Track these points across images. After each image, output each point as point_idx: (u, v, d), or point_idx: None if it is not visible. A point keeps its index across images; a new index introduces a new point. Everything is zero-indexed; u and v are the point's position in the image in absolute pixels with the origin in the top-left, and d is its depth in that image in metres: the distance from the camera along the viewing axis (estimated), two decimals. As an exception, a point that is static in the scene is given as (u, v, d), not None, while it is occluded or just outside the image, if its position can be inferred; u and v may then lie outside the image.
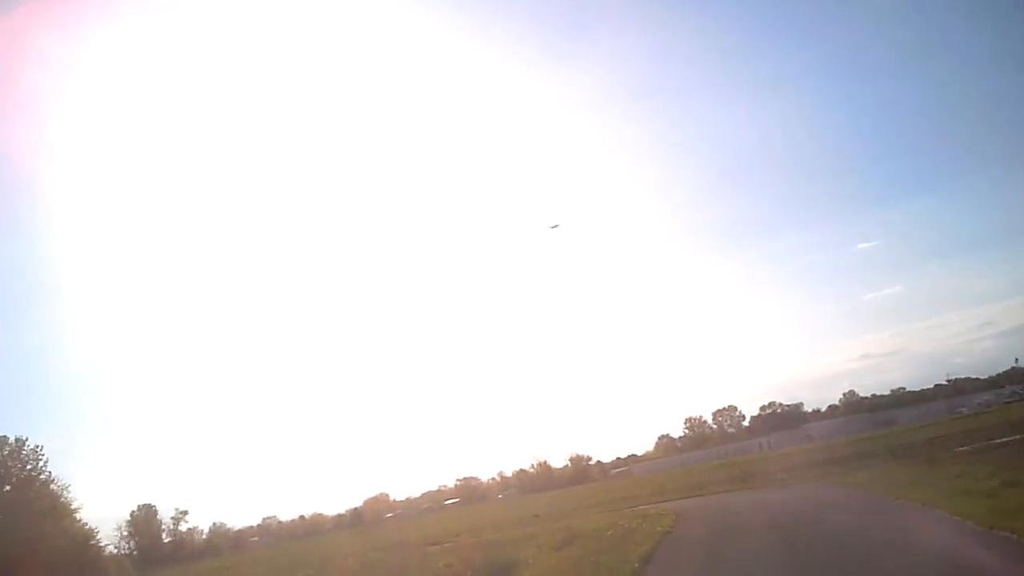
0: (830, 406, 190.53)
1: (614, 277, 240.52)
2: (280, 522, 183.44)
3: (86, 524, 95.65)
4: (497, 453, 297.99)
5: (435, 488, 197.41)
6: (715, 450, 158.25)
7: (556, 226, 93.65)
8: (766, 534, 21.75)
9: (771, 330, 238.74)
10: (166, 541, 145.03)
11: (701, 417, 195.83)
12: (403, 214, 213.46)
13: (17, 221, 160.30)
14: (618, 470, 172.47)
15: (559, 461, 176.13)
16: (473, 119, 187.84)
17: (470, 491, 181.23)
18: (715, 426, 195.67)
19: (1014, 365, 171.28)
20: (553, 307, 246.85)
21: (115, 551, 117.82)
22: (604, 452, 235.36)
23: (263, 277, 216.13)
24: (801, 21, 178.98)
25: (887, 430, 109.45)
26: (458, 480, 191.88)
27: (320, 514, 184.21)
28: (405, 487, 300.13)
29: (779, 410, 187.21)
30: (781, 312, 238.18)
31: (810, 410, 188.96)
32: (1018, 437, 41.10)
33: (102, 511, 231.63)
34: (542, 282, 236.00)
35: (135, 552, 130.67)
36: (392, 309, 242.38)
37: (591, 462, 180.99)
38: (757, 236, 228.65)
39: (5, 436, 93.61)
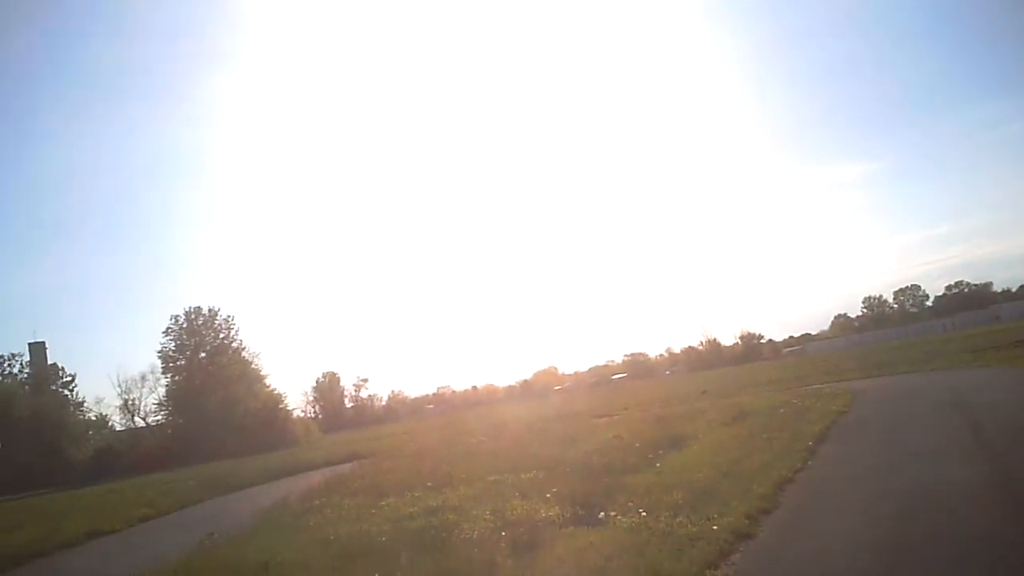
0: (1021, 286, 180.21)
1: (796, 150, 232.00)
2: (454, 391, 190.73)
3: (275, 390, 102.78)
4: (665, 329, 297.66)
5: (603, 363, 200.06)
6: (895, 331, 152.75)
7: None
8: (945, 417, 20.85)
9: (959, 205, 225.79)
10: (348, 406, 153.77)
11: (881, 296, 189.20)
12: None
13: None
14: (791, 349, 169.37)
15: (729, 338, 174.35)
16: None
17: (637, 366, 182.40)
18: (896, 306, 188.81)
19: None
20: (725, 179, 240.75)
21: (302, 415, 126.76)
22: (776, 330, 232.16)
23: (437, 157, 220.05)
24: None
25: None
26: (626, 355, 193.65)
27: (492, 385, 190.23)
28: (573, 361, 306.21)
29: (966, 289, 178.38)
30: (972, 187, 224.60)
31: (1000, 290, 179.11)
32: None
33: (291, 379, 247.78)
34: (711, 157, 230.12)
35: (320, 416, 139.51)
36: (562, 184, 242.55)
37: (762, 340, 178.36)
38: (935, 109, 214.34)
39: (199, 307, 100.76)
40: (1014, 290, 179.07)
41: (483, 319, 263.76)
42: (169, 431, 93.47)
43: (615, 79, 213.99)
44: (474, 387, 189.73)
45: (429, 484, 19.73)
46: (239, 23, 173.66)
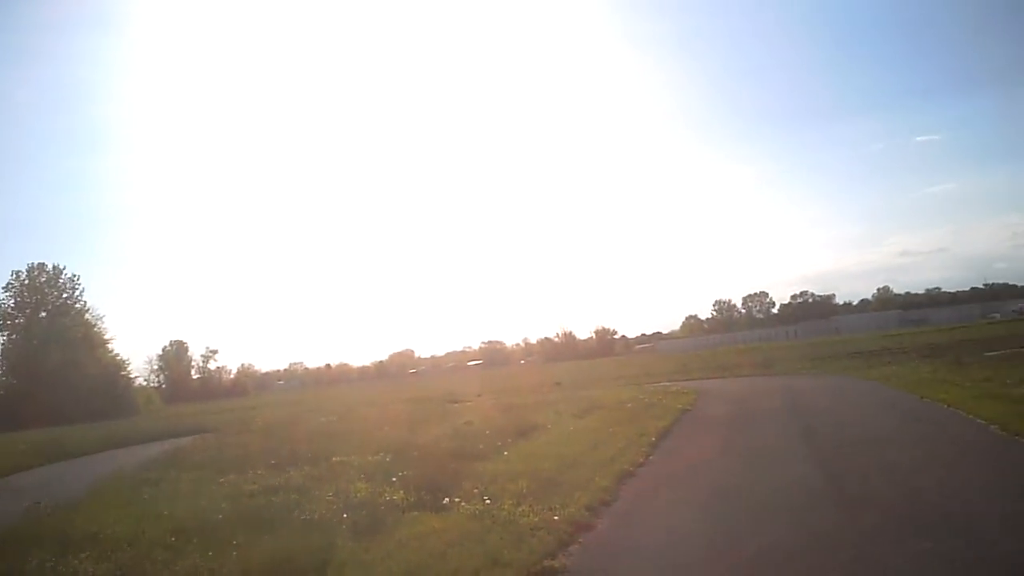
0: (862, 300, 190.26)
1: (654, 155, 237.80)
2: (306, 368, 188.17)
3: (118, 355, 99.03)
4: (523, 319, 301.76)
5: (459, 349, 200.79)
6: (742, 334, 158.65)
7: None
8: (783, 418, 21.85)
9: (810, 219, 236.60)
10: (195, 378, 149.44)
11: (730, 301, 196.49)
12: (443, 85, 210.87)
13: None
14: (642, 346, 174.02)
15: (584, 332, 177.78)
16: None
17: (494, 354, 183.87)
18: (744, 311, 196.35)
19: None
20: (592, 180, 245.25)
21: (145, 383, 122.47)
22: (630, 327, 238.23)
23: (310, 129, 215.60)
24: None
25: (917, 329, 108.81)
26: (483, 343, 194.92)
27: (346, 364, 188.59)
28: (430, 345, 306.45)
29: (810, 300, 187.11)
30: (823, 201, 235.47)
31: (841, 302, 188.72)
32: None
33: (135, 345, 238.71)
34: (584, 154, 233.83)
35: (164, 386, 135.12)
36: (434, 167, 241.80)
37: (616, 336, 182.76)
38: (809, 123, 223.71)
39: (43, 263, 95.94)
40: (855, 303, 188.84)
41: (340, 296, 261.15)
42: (1, 392, 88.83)
43: (508, 75, 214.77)
44: (327, 365, 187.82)
45: (273, 462, 19.31)
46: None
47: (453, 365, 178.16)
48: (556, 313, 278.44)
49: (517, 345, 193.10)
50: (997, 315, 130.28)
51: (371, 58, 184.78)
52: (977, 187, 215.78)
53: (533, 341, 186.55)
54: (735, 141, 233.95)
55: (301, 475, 17.04)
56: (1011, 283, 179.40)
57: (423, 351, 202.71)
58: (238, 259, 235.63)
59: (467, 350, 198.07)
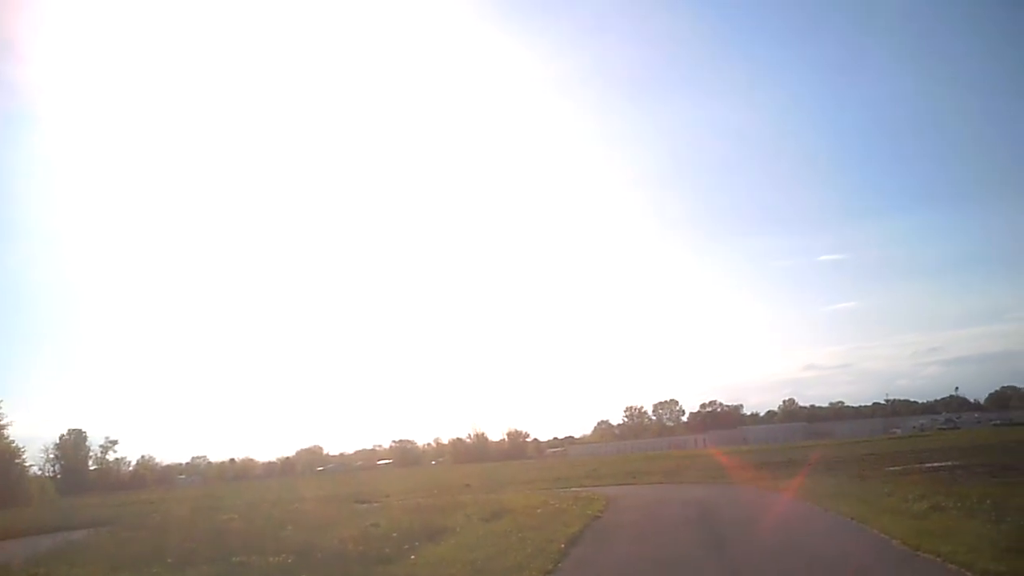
0: (769, 411, 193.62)
1: (569, 261, 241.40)
2: (209, 463, 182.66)
3: (13, 442, 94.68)
4: (435, 419, 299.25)
5: (370, 447, 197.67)
6: (652, 441, 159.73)
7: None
8: (692, 528, 21.90)
9: (721, 330, 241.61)
10: (92, 468, 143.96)
11: (642, 407, 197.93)
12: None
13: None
14: (554, 450, 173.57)
15: (496, 434, 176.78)
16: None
17: (404, 454, 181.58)
18: (655, 417, 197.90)
19: (953, 393, 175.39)
20: (507, 282, 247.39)
21: (40, 472, 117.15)
22: (542, 431, 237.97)
23: (218, 214, 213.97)
24: (791, 22, 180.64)
25: (821, 441, 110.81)
26: (394, 442, 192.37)
27: (251, 459, 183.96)
28: (339, 442, 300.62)
29: (719, 409, 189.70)
30: (733, 313, 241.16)
31: (749, 413, 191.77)
32: (948, 463, 41.76)
33: (31, 431, 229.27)
34: (498, 255, 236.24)
35: (60, 476, 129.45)
36: (346, 264, 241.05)
37: (528, 439, 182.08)
38: (717, 236, 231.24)
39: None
40: (762, 414, 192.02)
41: (247, 388, 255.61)
42: None
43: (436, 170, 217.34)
44: (232, 459, 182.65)
45: (169, 560, 18.61)
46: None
47: (362, 463, 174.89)
48: (468, 414, 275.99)
49: (428, 445, 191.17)
50: (898, 430, 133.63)
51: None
52: (879, 306, 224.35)
53: (445, 441, 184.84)
54: (648, 251, 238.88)
55: (199, 575, 16.46)
56: (911, 399, 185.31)
57: (332, 448, 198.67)
58: (142, 345, 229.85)
59: (377, 448, 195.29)
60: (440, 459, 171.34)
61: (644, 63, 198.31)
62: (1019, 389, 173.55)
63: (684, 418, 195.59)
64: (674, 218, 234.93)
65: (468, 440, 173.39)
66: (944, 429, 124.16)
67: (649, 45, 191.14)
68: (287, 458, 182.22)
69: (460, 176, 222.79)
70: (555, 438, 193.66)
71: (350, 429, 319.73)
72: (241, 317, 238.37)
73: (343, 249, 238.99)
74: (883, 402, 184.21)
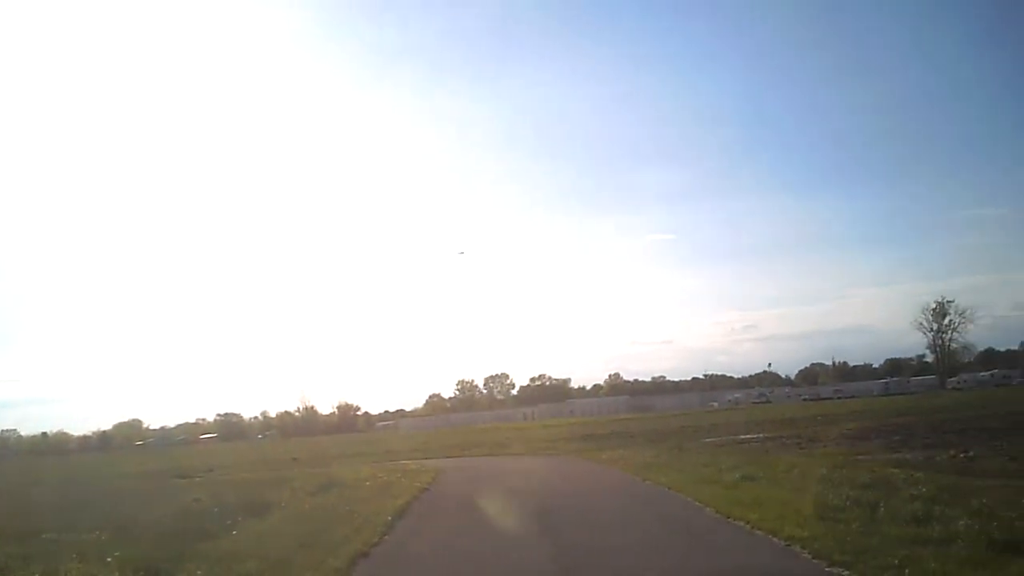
0: (595, 385, 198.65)
1: (403, 234, 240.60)
2: (20, 436, 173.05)
3: None
4: (262, 392, 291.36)
5: (193, 421, 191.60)
6: (483, 414, 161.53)
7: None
8: (517, 498, 22.28)
9: (551, 306, 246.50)
10: None
11: (473, 381, 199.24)
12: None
13: None
14: (385, 423, 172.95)
15: (326, 407, 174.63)
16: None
17: (230, 427, 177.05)
18: (486, 391, 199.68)
19: (767, 369, 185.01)
20: (335, 255, 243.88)
21: None
22: (373, 404, 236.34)
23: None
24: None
25: (644, 414, 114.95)
26: (218, 415, 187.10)
27: (65, 433, 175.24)
28: (160, 416, 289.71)
29: (548, 383, 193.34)
30: (562, 290, 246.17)
31: (576, 387, 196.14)
32: (760, 436, 44.07)
33: None
34: (330, 226, 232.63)
35: None
36: (171, 230, 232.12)
37: (359, 412, 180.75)
38: (549, 215, 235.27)
39: None
40: (588, 388, 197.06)
41: (61, 357, 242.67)
42: None
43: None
44: (44, 434, 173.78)
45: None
46: None
47: (185, 437, 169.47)
48: (297, 386, 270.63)
49: (255, 418, 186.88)
50: (715, 404, 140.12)
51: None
52: (701, 285, 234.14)
53: (272, 415, 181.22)
54: (480, 229, 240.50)
55: (3, 554, 15.59)
56: (728, 375, 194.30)
57: (152, 421, 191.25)
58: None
59: (201, 422, 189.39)
60: (267, 433, 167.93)
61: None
62: (826, 366, 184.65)
63: (514, 392, 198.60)
64: (506, 197, 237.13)
65: (297, 413, 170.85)
66: (758, 403, 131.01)
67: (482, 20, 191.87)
68: (103, 432, 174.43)
69: (288, 152, 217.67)
70: (386, 411, 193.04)
71: (171, 401, 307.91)
72: (52, 282, 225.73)
73: (166, 215, 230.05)
74: (702, 377, 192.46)
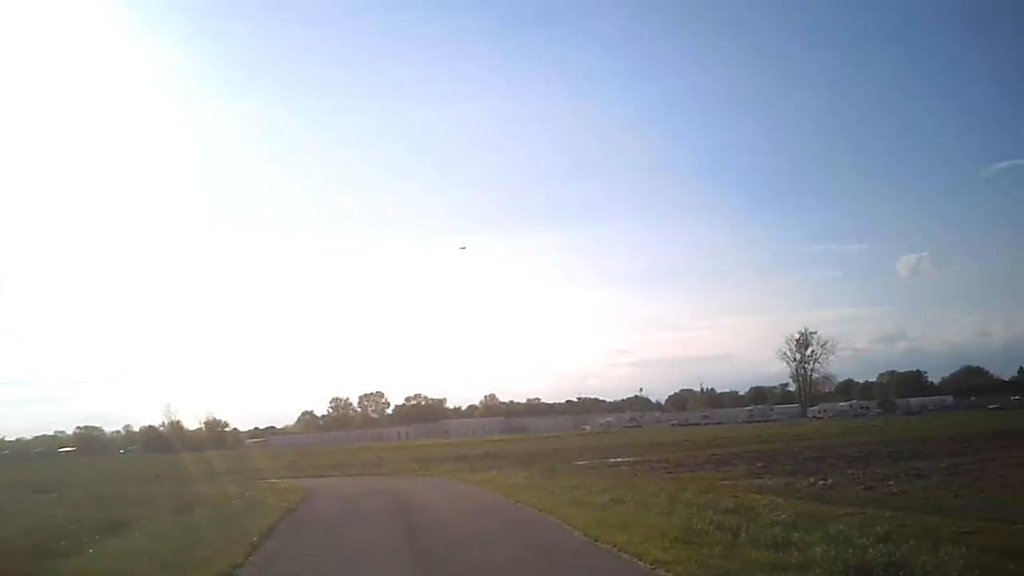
0: (471, 405, 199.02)
1: (273, 249, 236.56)
2: None
3: None
4: (126, 404, 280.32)
5: (51, 433, 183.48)
6: (357, 432, 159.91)
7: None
8: (387, 518, 22.14)
9: (428, 325, 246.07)
10: None
11: (347, 399, 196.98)
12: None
13: None
14: (255, 440, 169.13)
15: (193, 423, 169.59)
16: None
17: (90, 441, 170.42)
18: (360, 409, 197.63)
19: (638, 394, 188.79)
20: (206, 267, 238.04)
21: None
22: (242, 420, 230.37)
23: None
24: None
25: (518, 435, 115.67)
26: (78, 427, 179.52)
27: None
28: (16, 427, 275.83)
29: (423, 402, 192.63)
30: (440, 309, 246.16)
31: (452, 407, 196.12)
32: (630, 459, 44.86)
33: None
34: (201, 236, 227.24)
35: None
36: (36, 237, 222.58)
37: (227, 428, 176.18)
38: (427, 232, 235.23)
39: None
40: (464, 408, 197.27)
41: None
42: None
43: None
44: None
45: None
46: None
47: (42, 450, 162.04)
48: (163, 400, 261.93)
49: (118, 432, 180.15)
50: (588, 427, 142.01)
51: None
52: (577, 308, 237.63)
53: (136, 428, 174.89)
54: (354, 246, 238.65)
55: None
56: (601, 398, 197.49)
57: (7, 433, 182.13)
58: None
59: (59, 435, 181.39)
60: (130, 448, 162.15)
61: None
62: (695, 392, 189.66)
63: (389, 411, 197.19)
64: (387, 216, 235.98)
65: (161, 428, 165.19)
66: (629, 427, 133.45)
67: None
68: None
69: (152, 163, 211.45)
70: (256, 428, 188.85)
71: (28, 413, 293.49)
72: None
73: (28, 220, 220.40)
74: (576, 400, 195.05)
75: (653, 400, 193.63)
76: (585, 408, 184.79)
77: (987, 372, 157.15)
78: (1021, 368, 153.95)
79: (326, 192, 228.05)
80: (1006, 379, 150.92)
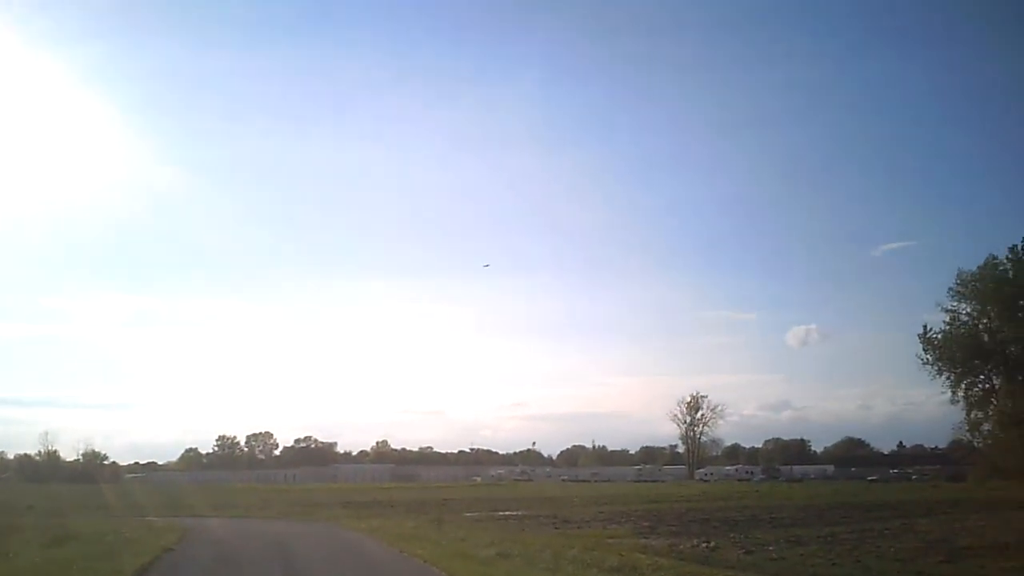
0: (362, 451, 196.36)
1: (165, 276, 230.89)
2: None
3: None
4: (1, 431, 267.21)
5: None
6: (243, 473, 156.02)
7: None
8: (266, 564, 21.72)
9: (321, 366, 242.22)
10: None
11: (235, 437, 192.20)
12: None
13: None
14: (135, 475, 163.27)
15: (71, 453, 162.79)
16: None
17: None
18: (247, 449, 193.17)
19: (531, 447, 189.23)
20: (87, 290, 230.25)
21: None
22: (123, 453, 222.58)
23: None
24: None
25: (408, 484, 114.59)
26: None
27: None
28: None
29: (313, 445, 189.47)
30: (336, 352, 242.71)
31: (343, 451, 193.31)
32: (519, 513, 44.88)
33: None
34: (82, 252, 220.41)
35: None
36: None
37: (106, 461, 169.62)
38: (325, 273, 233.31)
39: None
40: (355, 453, 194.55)
41: None
42: None
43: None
44: None
45: None
46: None
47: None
48: (39, 428, 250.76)
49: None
50: (478, 478, 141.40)
51: None
52: (474, 359, 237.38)
53: (10, 456, 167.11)
54: (243, 280, 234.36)
55: None
56: (494, 450, 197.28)
57: None
58: None
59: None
60: (3, 476, 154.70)
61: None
62: (586, 448, 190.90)
63: (277, 452, 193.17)
64: (284, 254, 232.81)
65: (37, 457, 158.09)
66: (519, 480, 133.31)
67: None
68: None
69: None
70: (136, 463, 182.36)
71: None
72: None
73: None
74: (468, 450, 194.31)
75: (545, 454, 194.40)
76: (477, 459, 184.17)
77: (868, 444, 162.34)
78: (900, 443, 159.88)
79: (222, 226, 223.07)
80: (885, 452, 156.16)
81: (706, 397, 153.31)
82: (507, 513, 45.13)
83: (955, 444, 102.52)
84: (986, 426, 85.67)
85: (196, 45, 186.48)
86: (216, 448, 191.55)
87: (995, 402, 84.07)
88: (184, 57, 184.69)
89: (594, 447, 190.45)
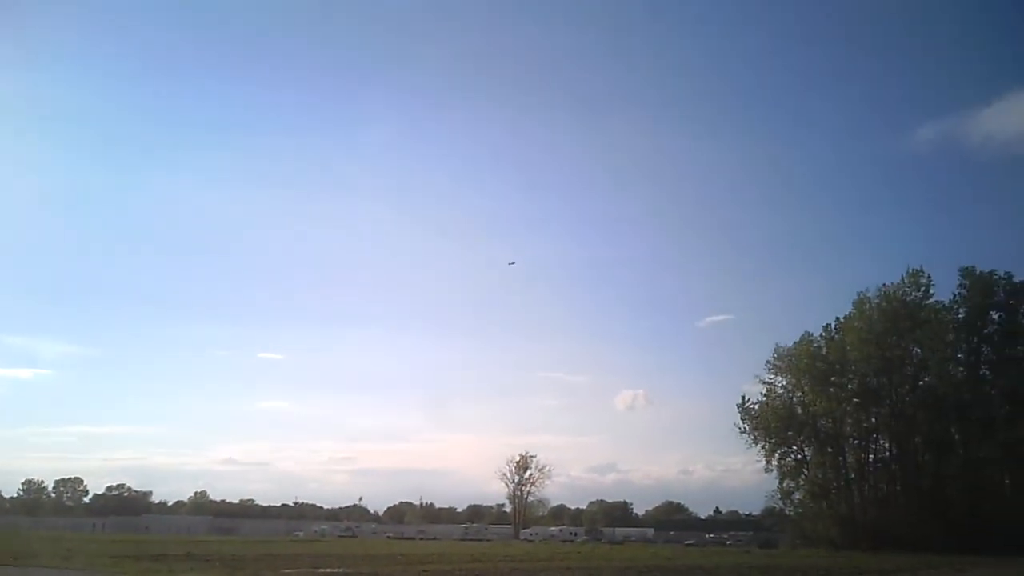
0: (178, 501, 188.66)
1: None
2: None
3: None
4: None
5: None
6: (48, 520, 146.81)
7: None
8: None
9: (139, 410, 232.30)
10: None
11: (43, 482, 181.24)
12: None
13: None
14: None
15: None
16: None
17: None
18: (54, 495, 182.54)
19: (357, 503, 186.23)
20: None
21: None
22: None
23: None
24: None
25: (226, 537, 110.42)
26: None
27: None
28: None
29: (127, 494, 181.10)
30: (155, 396, 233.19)
31: (158, 501, 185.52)
32: (340, 570, 43.84)
33: None
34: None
35: None
36: None
37: None
38: (167, 322, 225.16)
39: None
40: (171, 503, 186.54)
41: None
42: None
43: None
44: None
45: None
46: None
47: None
48: None
49: None
50: (300, 533, 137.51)
51: None
52: (302, 410, 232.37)
53: None
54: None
55: None
56: (319, 504, 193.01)
57: None
58: None
59: None
60: None
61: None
62: (414, 505, 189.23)
63: (87, 499, 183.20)
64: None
65: None
66: (343, 536, 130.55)
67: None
68: None
69: None
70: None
71: None
72: None
73: None
74: (292, 504, 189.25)
75: (372, 510, 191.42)
76: (301, 513, 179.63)
77: (687, 509, 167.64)
78: (717, 508, 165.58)
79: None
80: (703, 517, 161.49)
81: (535, 457, 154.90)
82: (327, 571, 43.94)
83: (768, 511, 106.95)
84: (797, 495, 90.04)
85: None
86: (21, 492, 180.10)
87: (806, 472, 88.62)
88: None
89: (422, 504, 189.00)
